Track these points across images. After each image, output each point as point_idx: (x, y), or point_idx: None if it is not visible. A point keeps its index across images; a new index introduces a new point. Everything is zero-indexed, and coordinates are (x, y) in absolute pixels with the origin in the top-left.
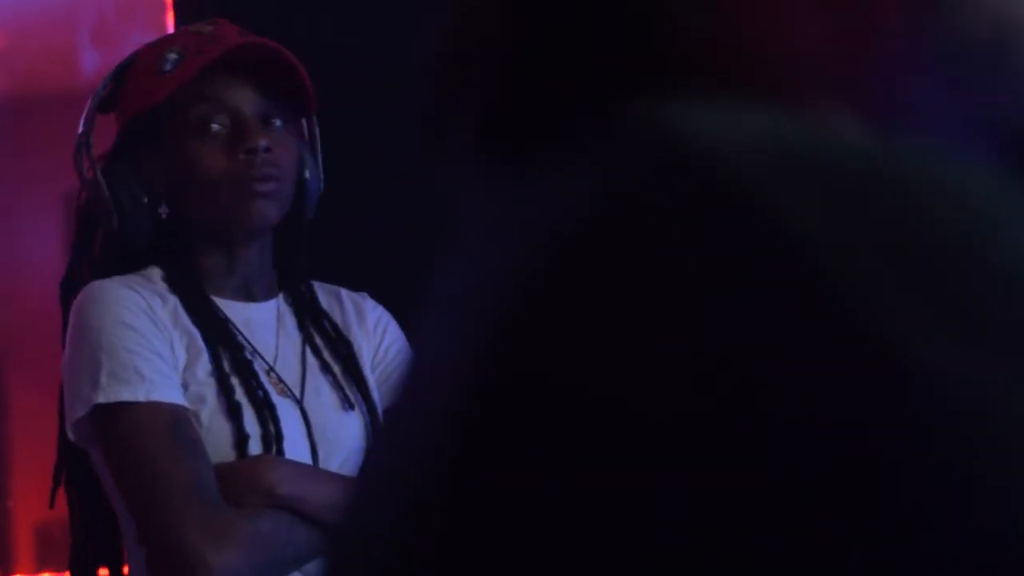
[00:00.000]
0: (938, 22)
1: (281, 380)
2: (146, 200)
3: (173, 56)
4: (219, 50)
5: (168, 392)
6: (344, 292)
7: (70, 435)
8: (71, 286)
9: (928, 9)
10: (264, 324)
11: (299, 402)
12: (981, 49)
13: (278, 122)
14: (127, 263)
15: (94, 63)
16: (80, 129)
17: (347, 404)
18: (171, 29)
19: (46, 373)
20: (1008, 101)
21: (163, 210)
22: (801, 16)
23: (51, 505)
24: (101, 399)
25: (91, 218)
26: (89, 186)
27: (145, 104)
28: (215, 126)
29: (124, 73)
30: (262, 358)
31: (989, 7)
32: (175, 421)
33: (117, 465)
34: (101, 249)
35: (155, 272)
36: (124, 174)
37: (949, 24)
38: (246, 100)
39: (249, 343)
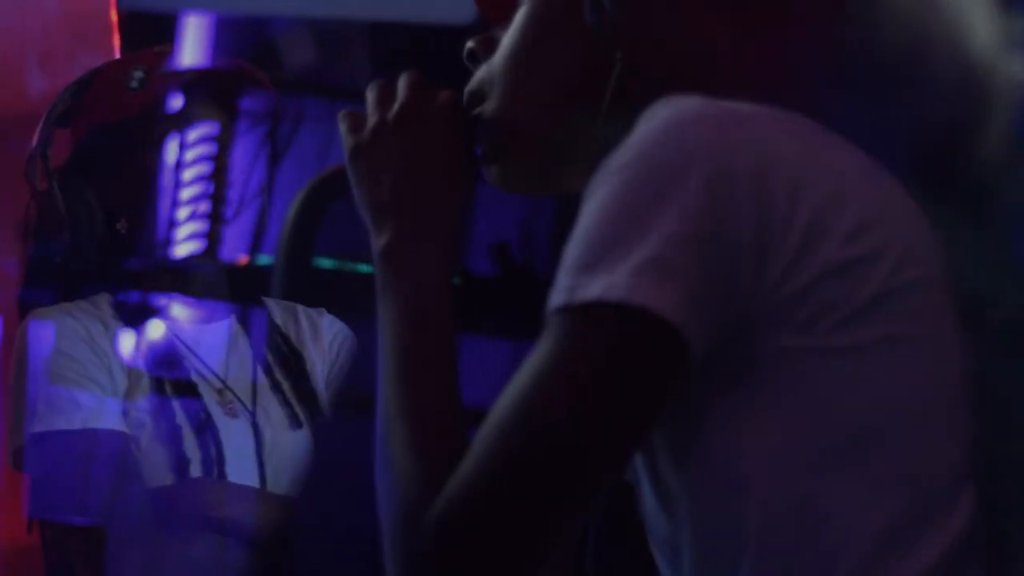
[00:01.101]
0: (854, 34)
1: (234, 398)
2: (101, 214)
3: (139, 74)
4: (189, 72)
5: (104, 419)
6: (300, 309)
7: (11, 462)
8: (28, 306)
9: (844, 22)
10: (215, 344)
11: (251, 421)
12: (896, 61)
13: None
14: (75, 285)
15: (41, 86)
16: (35, 142)
17: (295, 422)
18: (117, 52)
19: None
20: (921, 113)
21: (122, 225)
22: (717, 25)
23: (28, 532)
24: (38, 428)
25: (41, 234)
26: (43, 198)
27: (112, 116)
28: None
29: (85, 88)
30: (213, 377)
31: (905, 21)
32: (110, 448)
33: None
34: (52, 268)
35: (103, 298)
36: (79, 187)
37: (865, 36)
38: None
39: (197, 364)
